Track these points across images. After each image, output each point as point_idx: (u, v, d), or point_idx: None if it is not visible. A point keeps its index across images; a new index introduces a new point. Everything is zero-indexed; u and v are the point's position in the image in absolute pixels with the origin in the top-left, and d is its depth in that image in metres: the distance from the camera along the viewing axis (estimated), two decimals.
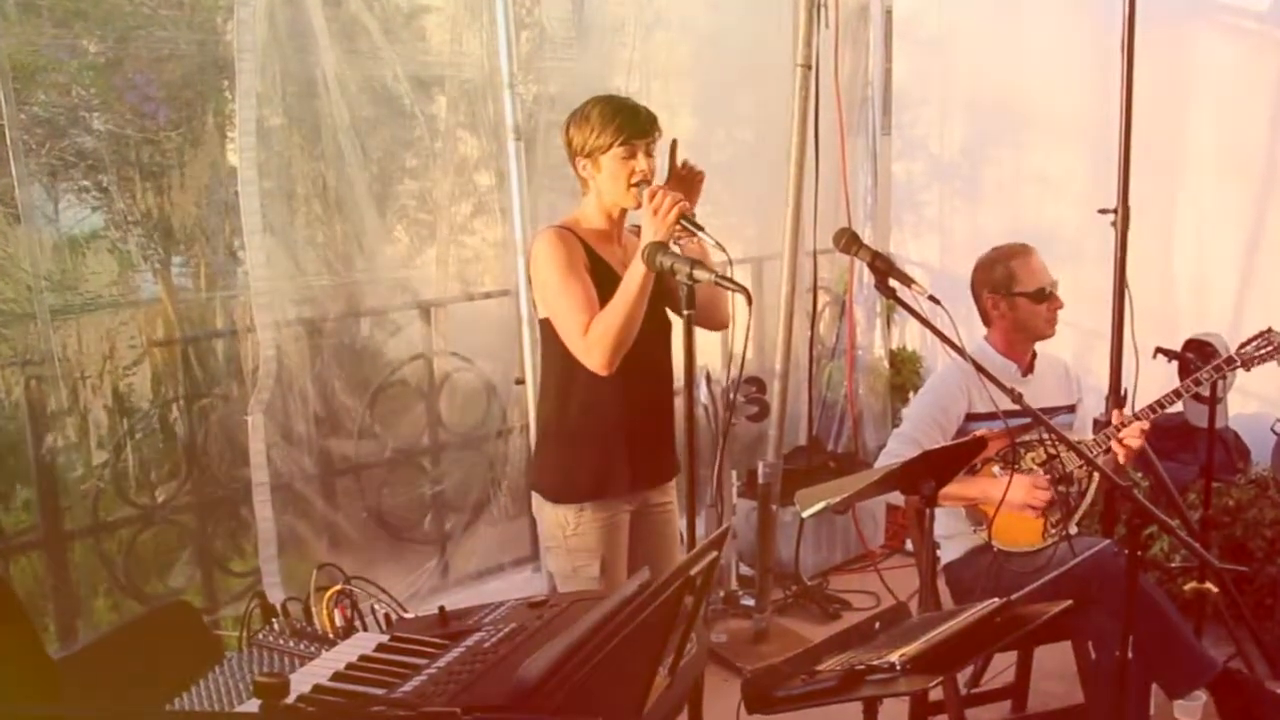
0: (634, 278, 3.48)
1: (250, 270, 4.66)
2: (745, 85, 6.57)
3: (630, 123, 3.61)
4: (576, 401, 3.76)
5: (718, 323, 3.87)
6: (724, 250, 3.39)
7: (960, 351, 3.40)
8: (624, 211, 3.75)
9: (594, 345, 3.54)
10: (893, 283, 3.41)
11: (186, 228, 4.72)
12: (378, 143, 5.21)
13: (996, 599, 2.95)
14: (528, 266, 3.80)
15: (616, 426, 3.76)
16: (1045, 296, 4.35)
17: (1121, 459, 4.24)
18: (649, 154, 3.64)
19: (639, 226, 3.65)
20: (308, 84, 4.87)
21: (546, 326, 3.74)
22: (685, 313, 3.32)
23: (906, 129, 7.30)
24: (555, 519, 3.81)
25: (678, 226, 3.46)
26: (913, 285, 3.36)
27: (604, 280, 3.63)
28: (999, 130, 6.82)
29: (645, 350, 3.65)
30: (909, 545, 6.55)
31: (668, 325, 3.81)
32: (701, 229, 3.46)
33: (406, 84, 5.20)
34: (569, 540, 3.78)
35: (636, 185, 3.59)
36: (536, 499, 3.90)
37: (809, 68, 5.40)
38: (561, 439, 3.83)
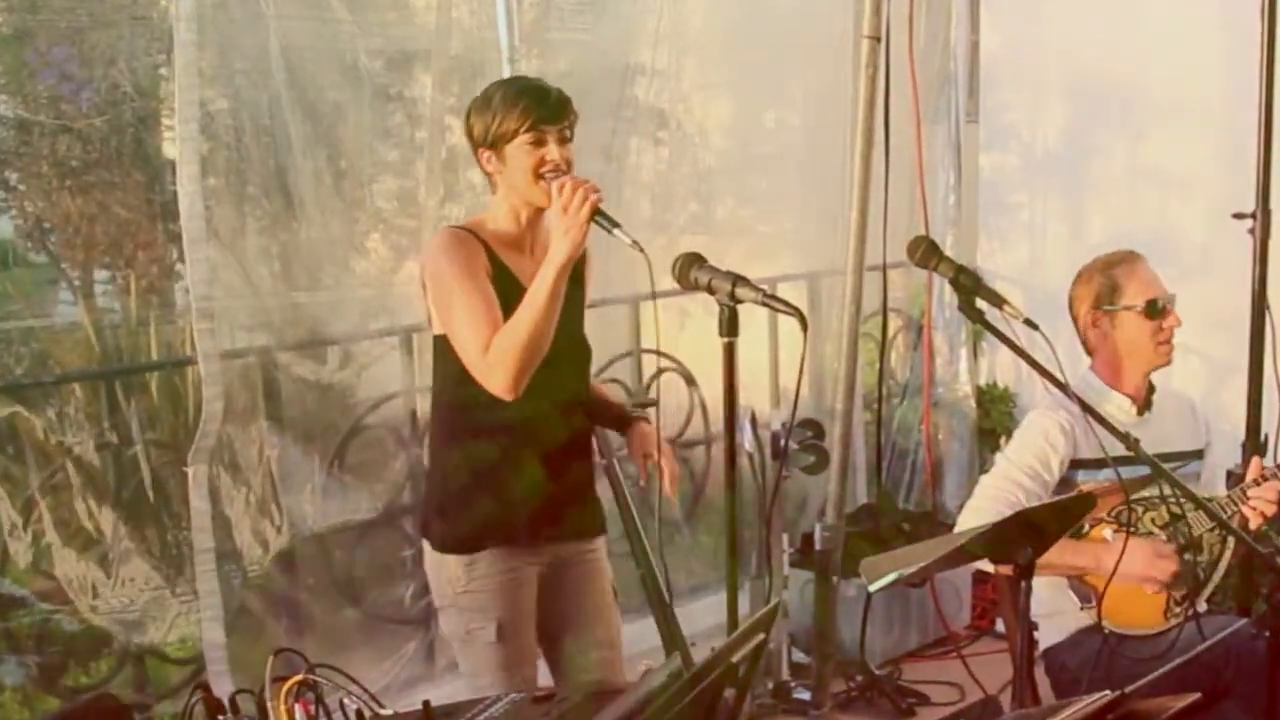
0: (543, 285, 3.52)
1: (191, 288, 4.68)
2: (798, 61, 6.59)
3: (538, 105, 3.67)
4: (467, 433, 3.82)
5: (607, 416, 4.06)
6: (641, 249, 3.43)
7: (1063, 387, 3.41)
8: (538, 213, 3.79)
9: (496, 364, 3.57)
10: (980, 304, 3.42)
11: (113, 236, 4.74)
12: (347, 132, 5.23)
13: (1108, 691, 2.95)
14: (421, 273, 3.85)
15: (515, 465, 3.81)
16: (1158, 311, 4.31)
17: (1252, 525, 4.20)
18: (561, 142, 3.69)
19: None
20: (260, 60, 4.90)
21: (440, 344, 3.79)
22: (724, 340, 3.33)
23: (996, 115, 7.33)
24: (443, 572, 3.86)
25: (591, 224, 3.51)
26: (1005, 307, 3.37)
27: (508, 293, 3.68)
28: (1108, 116, 6.82)
29: (554, 377, 3.70)
30: (1000, 626, 6.53)
31: (585, 350, 3.92)
32: (617, 225, 3.50)
33: (383, 61, 5.23)
34: (460, 598, 3.83)
35: (546, 178, 3.63)
36: (426, 548, 3.96)
37: (877, 40, 5.41)
38: (449, 477, 3.90)
